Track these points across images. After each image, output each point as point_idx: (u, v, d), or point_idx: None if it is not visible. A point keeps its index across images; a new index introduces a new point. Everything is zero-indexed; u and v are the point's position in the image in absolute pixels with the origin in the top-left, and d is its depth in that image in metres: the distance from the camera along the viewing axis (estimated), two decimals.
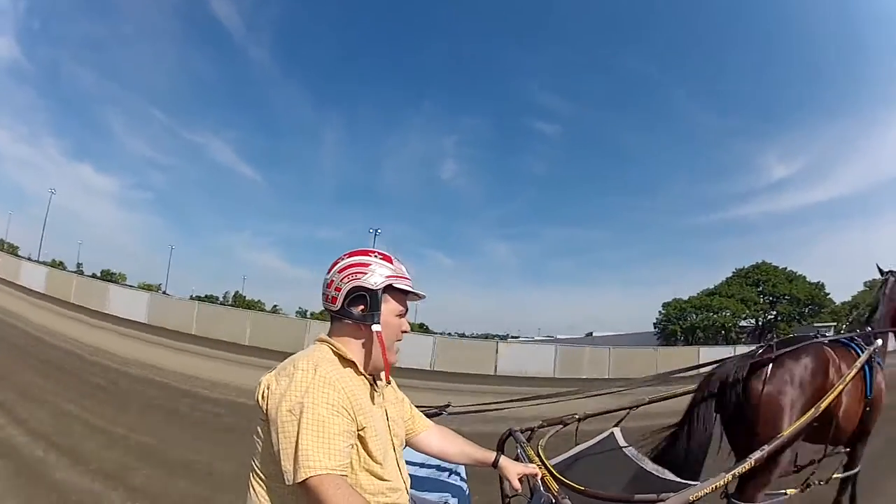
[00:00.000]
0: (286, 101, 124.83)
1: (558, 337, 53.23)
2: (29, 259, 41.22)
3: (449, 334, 50.07)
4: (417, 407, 2.16)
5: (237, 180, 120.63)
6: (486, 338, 47.00)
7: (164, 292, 51.81)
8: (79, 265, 65.71)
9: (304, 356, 1.53)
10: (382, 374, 1.72)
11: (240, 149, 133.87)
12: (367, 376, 1.63)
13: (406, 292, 1.70)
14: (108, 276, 57.53)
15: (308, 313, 52.20)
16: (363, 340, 1.63)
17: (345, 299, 1.61)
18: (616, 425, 2.07)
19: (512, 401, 2.64)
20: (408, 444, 1.88)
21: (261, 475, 1.49)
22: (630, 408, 2.77)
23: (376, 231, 57.55)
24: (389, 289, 1.64)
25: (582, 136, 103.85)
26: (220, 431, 6.88)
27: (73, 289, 25.94)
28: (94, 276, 48.57)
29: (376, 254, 1.68)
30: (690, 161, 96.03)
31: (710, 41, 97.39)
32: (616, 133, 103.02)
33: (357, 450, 1.50)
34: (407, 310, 1.72)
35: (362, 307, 1.61)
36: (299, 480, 1.34)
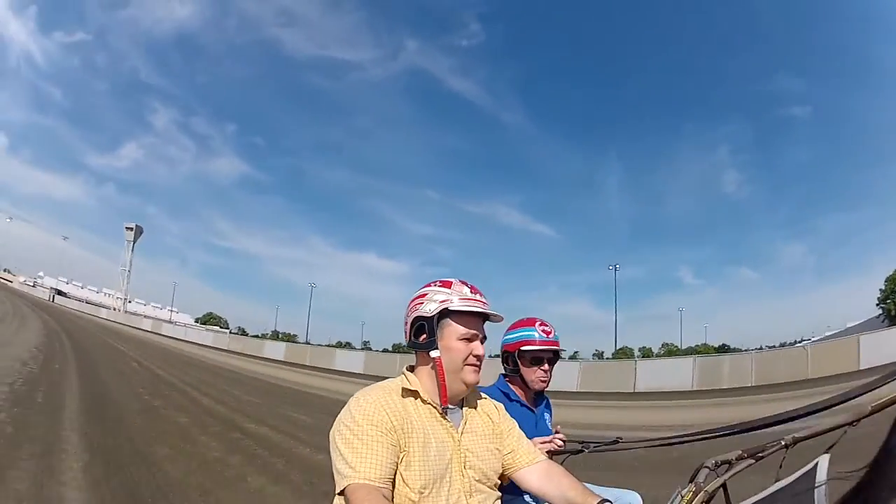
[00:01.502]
0: (554, 153, 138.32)
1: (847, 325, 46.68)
2: (270, 338, 53.46)
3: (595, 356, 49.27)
4: (586, 440, 2.27)
5: (530, 240, 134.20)
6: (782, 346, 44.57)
7: None
8: (364, 343, 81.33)
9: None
10: (466, 399, 1.74)
11: (527, 209, 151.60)
12: (434, 403, 1.61)
13: (475, 314, 1.66)
14: (341, 345, 68.45)
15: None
16: (430, 367, 1.63)
17: (410, 331, 1.67)
18: (828, 450, 1.37)
19: (693, 436, 2.07)
20: (511, 479, 1.76)
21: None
22: (848, 423, 1.64)
23: (615, 267, 59.83)
24: (450, 313, 1.63)
25: (834, 113, 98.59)
26: None
27: (308, 355, 34.66)
28: (328, 345, 58.69)
29: (437, 282, 1.70)
30: None
31: None
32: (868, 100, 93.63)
33: (397, 472, 1.47)
34: (479, 333, 1.67)
35: (424, 336, 1.64)
36: (339, 491, 1.40)
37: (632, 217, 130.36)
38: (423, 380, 1.64)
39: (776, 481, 1.38)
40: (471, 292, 1.67)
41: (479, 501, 1.57)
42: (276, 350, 37.53)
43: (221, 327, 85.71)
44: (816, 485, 1.23)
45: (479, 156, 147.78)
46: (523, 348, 2.49)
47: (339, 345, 67.25)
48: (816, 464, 1.30)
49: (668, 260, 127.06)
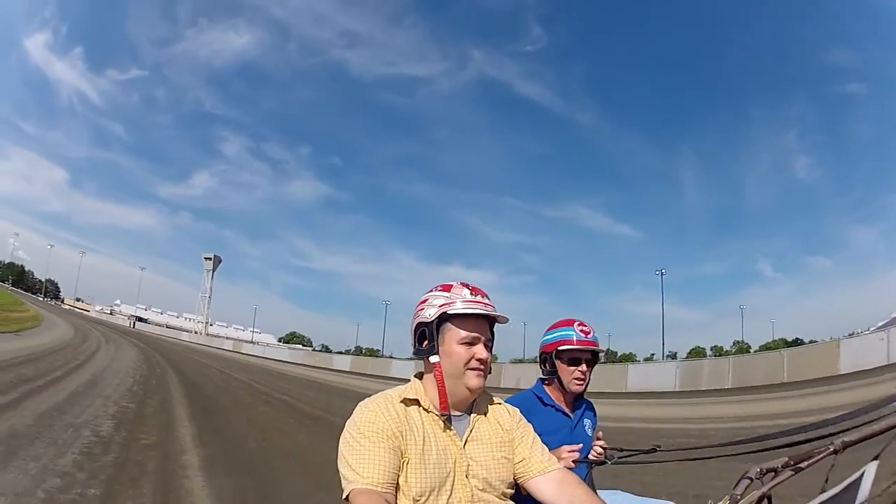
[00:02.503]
0: (629, 151, 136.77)
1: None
2: (353, 353, 58.26)
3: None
4: (625, 449, 2.17)
5: (613, 240, 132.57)
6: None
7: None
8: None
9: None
10: (475, 406, 1.67)
11: (608, 210, 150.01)
12: (436, 411, 1.56)
13: (478, 317, 1.59)
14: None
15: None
16: (433, 373, 1.58)
17: (414, 339, 1.64)
18: (876, 457, 1.16)
19: (739, 443, 1.85)
20: (523, 488, 1.67)
21: None
22: None
23: (662, 272, 61.28)
24: (450, 317, 1.57)
25: (890, 82, 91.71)
26: None
27: (370, 366, 39.56)
28: (390, 357, 61.23)
29: (438, 287, 1.66)
30: None
31: None
32: None
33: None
34: (482, 335, 1.59)
35: (426, 342, 1.59)
36: (343, 497, 1.39)
37: (710, 209, 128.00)
38: (427, 387, 1.60)
39: (822, 492, 1.21)
40: (471, 294, 1.61)
41: None
42: (344, 362, 42.23)
43: (304, 345, 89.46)
44: (859, 498, 1.07)
45: (555, 159, 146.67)
46: (561, 348, 2.43)
47: (369, 352, 71.27)
48: (863, 473, 1.13)
49: (747, 252, 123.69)
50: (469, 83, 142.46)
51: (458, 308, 1.57)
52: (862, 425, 1.31)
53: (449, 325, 1.58)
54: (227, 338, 76.92)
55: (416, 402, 1.56)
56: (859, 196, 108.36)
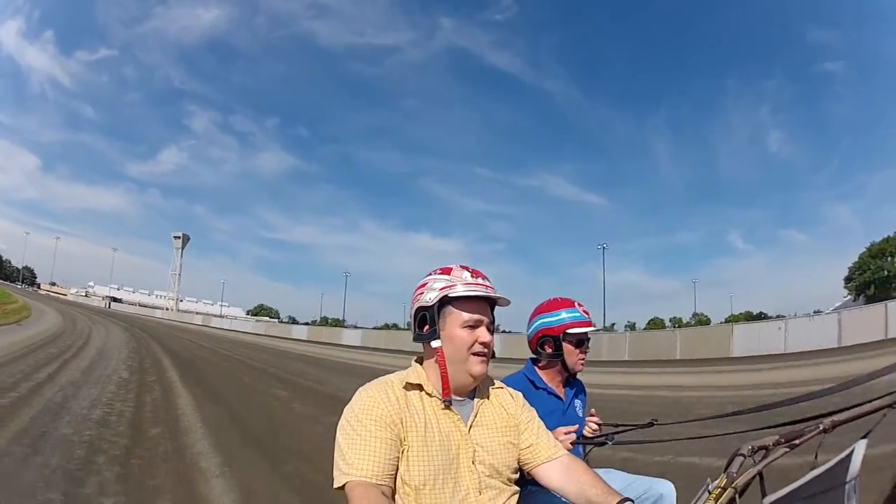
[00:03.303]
0: (602, 121, 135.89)
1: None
2: (352, 327, 63.95)
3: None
4: (620, 424, 2.20)
5: (584, 210, 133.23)
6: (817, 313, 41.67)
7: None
8: (408, 323, 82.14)
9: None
10: (478, 390, 1.64)
11: (578, 179, 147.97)
12: (439, 396, 1.53)
13: (479, 299, 1.56)
14: (353, 326, 74.74)
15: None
16: (435, 358, 1.55)
17: (414, 323, 1.60)
18: (865, 435, 1.21)
19: (732, 415, 1.96)
20: (531, 476, 1.64)
21: None
22: (889, 406, 1.42)
23: (604, 246, 63.22)
24: (451, 300, 1.55)
25: (871, 62, 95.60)
26: None
27: (325, 334, 43.27)
28: (342, 326, 65.95)
29: (437, 270, 1.62)
30: None
31: None
32: None
33: (397, 468, 1.41)
34: (484, 318, 1.56)
35: (427, 327, 1.56)
36: (336, 487, 1.35)
37: (683, 180, 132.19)
38: (429, 372, 1.56)
39: (812, 469, 1.24)
40: (472, 276, 1.58)
41: (491, 497, 1.48)
42: (302, 332, 48.22)
43: (271, 317, 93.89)
44: (849, 479, 1.13)
45: (526, 128, 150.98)
46: (570, 331, 2.41)
47: (335, 323, 75.31)
48: (853, 450, 1.18)
49: (719, 223, 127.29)
50: (438, 52, 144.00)
51: (460, 291, 1.53)
52: (852, 407, 1.34)
53: (451, 309, 1.54)
54: (198, 313, 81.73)
55: (419, 386, 1.53)
56: (833, 172, 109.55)
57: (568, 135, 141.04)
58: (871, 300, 39.30)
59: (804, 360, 16.70)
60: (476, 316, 1.55)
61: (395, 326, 67.42)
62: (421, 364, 1.62)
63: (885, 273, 45.54)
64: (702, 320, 73.35)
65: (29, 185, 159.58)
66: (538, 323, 2.49)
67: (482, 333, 1.55)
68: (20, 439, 5.78)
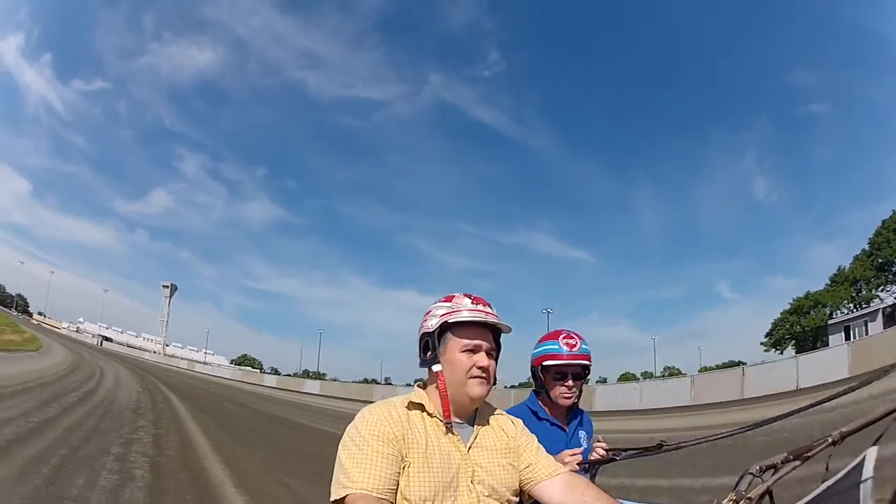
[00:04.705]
0: (584, 176, 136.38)
1: None
2: (315, 377, 69.70)
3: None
4: (629, 448, 2.12)
5: (567, 265, 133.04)
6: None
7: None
8: (386, 379, 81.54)
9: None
10: (479, 415, 1.66)
11: (561, 235, 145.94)
12: (440, 417, 1.55)
13: (480, 325, 1.59)
14: (318, 376, 78.54)
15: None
16: (436, 384, 1.57)
17: (420, 350, 1.64)
18: (876, 442, 1.19)
19: (742, 430, 1.86)
20: (532, 497, 1.65)
21: None
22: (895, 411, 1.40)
23: (548, 311, 60.89)
24: (451, 326, 1.58)
25: (852, 103, 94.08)
26: None
27: (290, 383, 50.35)
28: (364, 381, 69.02)
29: (441, 298, 1.67)
30: None
31: None
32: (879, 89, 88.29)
33: (398, 484, 1.42)
34: (483, 343, 1.58)
35: (429, 353, 1.60)
36: (334, 499, 1.36)
37: (667, 234, 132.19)
38: (431, 395, 1.59)
39: (824, 480, 1.22)
40: (472, 303, 1.62)
41: None
42: (271, 380, 55.66)
43: (253, 367, 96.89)
44: (862, 479, 1.10)
45: (510, 184, 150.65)
46: (546, 363, 2.36)
47: (316, 376, 78.23)
48: (864, 458, 1.14)
49: (705, 275, 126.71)
50: (426, 108, 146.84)
51: (459, 317, 1.57)
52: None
53: (450, 335, 1.58)
54: (183, 358, 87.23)
55: (421, 406, 1.55)
56: (817, 214, 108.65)
57: (550, 191, 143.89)
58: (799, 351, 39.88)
59: (656, 415, 19.13)
60: (475, 341, 1.57)
61: (374, 381, 70.87)
62: (424, 388, 1.64)
63: (801, 328, 47.25)
64: (674, 372, 72.29)
65: (17, 209, 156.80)
66: (531, 353, 2.48)
67: (480, 358, 1.56)
68: (96, 409, 13.59)
